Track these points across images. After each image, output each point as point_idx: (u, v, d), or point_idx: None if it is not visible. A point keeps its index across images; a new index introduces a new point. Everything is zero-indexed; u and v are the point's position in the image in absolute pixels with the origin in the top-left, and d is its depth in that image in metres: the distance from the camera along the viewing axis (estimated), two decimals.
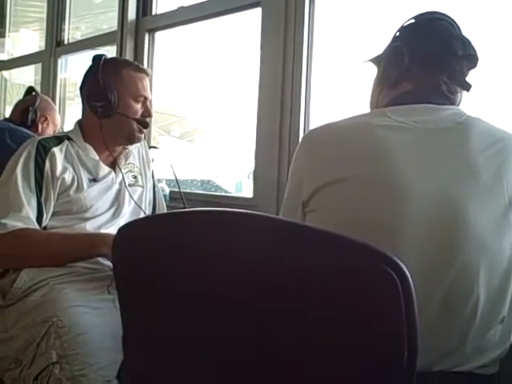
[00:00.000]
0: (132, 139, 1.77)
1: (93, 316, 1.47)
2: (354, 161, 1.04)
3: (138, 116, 1.75)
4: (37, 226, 1.59)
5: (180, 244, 0.84)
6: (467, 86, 1.13)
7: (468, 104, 1.19)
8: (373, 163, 1.02)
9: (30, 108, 2.29)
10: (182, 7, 2.58)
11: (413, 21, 1.18)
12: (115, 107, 1.70)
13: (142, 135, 1.79)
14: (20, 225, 1.55)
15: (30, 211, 1.57)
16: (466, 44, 1.12)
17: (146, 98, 1.76)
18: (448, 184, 0.98)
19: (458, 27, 1.14)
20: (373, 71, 1.26)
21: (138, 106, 1.75)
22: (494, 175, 0.99)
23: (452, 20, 1.15)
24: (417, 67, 1.12)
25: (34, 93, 2.43)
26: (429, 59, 1.12)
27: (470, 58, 1.12)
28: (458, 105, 1.15)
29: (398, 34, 1.19)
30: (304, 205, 1.09)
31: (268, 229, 0.76)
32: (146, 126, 1.78)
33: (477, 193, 0.98)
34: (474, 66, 1.13)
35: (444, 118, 1.06)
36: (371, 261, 0.69)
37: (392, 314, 0.68)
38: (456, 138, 1.03)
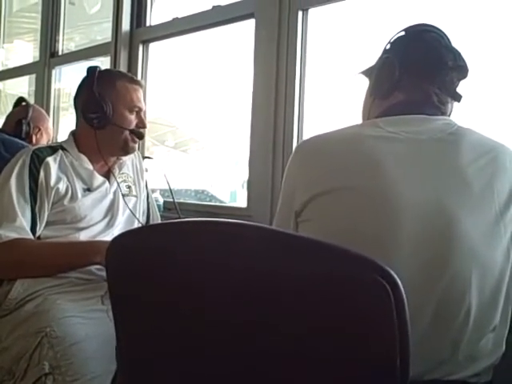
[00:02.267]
0: (127, 149, 1.78)
1: (86, 326, 1.46)
2: (347, 171, 1.05)
3: (133, 127, 1.76)
4: (31, 236, 1.58)
5: (175, 254, 0.84)
6: (458, 97, 1.15)
7: (459, 114, 1.20)
8: (365, 173, 1.03)
9: (23, 120, 2.29)
10: (177, 18, 2.60)
11: (403, 33, 1.19)
12: (110, 118, 1.71)
13: (136, 145, 1.81)
14: (14, 235, 1.54)
15: (24, 221, 1.57)
16: (456, 55, 1.13)
17: (140, 109, 1.78)
18: (440, 194, 0.99)
19: (448, 39, 1.16)
20: (365, 82, 1.27)
21: (133, 117, 1.76)
22: (485, 185, 1.00)
23: (441, 32, 1.16)
24: (408, 78, 1.13)
25: (24, 103, 2.43)
26: (419, 70, 1.13)
27: (460, 68, 1.13)
28: (449, 115, 1.16)
29: (388, 46, 1.20)
30: (297, 215, 1.10)
31: (263, 239, 0.77)
32: (142, 136, 1.80)
33: (469, 202, 0.98)
34: (465, 76, 1.15)
35: (435, 128, 1.07)
36: (363, 270, 0.70)
37: (384, 322, 0.68)
38: (447, 148, 1.04)
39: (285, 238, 0.78)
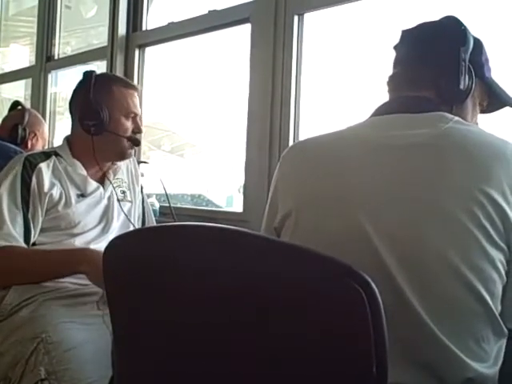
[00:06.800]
0: (123, 156, 1.78)
1: (82, 331, 1.46)
2: (312, 189, 1.02)
3: (129, 133, 1.75)
4: (21, 243, 1.57)
5: (171, 257, 0.83)
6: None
7: None
8: (335, 199, 0.99)
9: (19, 126, 2.29)
10: (172, 23, 2.60)
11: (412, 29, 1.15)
12: (107, 125, 1.71)
13: (133, 151, 1.80)
14: (2, 243, 1.53)
15: (14, 229, 1.56)
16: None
17: (136, 115, 1.77)
18: (414, 219, 0.91)
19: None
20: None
21: (129, 123, 1.76)
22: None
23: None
24: (400, 72, 1.12)
25: (19, 107, 2.43)
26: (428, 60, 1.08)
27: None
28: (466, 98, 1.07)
29: (398, 41, 1.16)
30: (277, 232, 1.07)
31: (256, 246, 0.77)
32: (138, 143, 1.80)
33: (445, 227, 0.90)
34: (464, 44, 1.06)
35: (418, 134, 0.98)
36: (338, 275, 0.68)
37: (359, 329, 0.67)
38: (428, 157, 0.95)
39: (268, 243, 0.77)
